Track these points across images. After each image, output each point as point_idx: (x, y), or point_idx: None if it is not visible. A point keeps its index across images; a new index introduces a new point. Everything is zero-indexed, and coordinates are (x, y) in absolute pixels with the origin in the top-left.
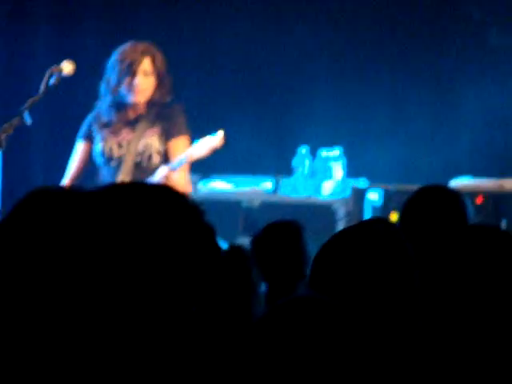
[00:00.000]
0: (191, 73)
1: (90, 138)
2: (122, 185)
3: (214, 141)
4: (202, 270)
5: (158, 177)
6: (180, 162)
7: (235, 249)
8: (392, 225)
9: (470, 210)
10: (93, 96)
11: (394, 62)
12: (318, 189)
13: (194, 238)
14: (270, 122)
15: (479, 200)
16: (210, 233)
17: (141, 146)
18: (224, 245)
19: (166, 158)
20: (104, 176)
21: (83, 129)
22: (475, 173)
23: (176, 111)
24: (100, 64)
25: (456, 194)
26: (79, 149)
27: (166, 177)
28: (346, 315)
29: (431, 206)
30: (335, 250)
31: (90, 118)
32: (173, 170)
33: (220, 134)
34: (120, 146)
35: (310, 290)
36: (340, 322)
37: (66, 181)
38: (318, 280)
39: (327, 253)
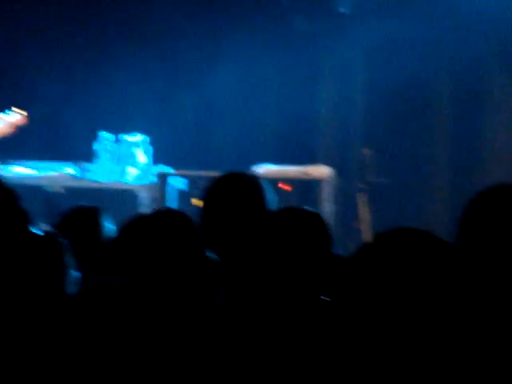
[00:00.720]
0: None
1: None
2: None
3: (11, 118)
4: (15, 252)
5: None
6: None
7: (50, 235)
8: (182, 213)
9: (271, 195)
10: None
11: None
12: (122, 174)
13: (8, 222)
14: (73, 107)
15: (285, 186)
16: (24, 217)
17: None
18: (35, 230)
19: None
20: None
21: None
22: (282, 160)
23: None
24: None
25: (253, 180)
26: None
27: None
28: (143, 298)
29: (229, 191)
30: (129, 236)
31: None
32: None
33: (18, 110)
34: None
35: (108, 272)
36: (139, 304)
37: None
38: (115, 262)
39: (123, 238)
